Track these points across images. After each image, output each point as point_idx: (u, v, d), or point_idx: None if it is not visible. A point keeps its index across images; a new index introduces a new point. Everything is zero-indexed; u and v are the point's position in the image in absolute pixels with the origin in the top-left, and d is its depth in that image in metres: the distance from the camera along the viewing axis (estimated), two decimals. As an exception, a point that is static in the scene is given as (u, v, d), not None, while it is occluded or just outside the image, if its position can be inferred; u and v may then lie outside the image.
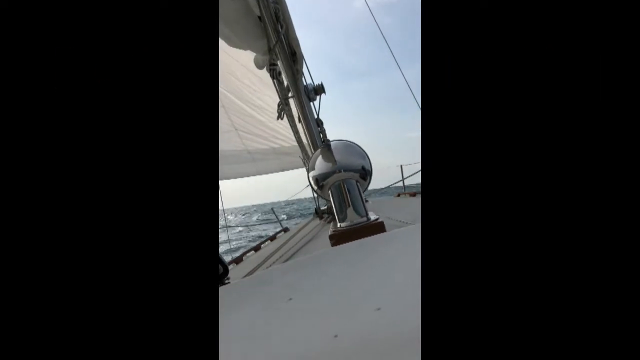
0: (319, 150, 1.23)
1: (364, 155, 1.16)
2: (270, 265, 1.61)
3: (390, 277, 0.51)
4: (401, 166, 5.34)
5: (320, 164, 1.16)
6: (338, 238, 0.99)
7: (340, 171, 1.10)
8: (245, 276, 0.98)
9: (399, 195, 3.82)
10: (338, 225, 1.08)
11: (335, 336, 0.37)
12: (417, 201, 2.91)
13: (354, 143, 1.19)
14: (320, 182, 1.14)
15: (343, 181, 1.09)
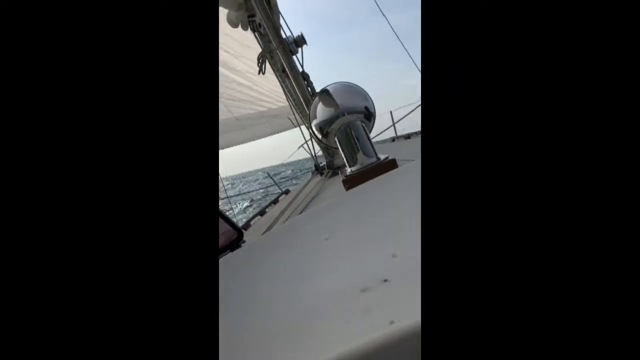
0: (317, 96, 1.17)
1: (365, 95, 1.11)
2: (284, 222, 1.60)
3: (405, 214, 0.49)
4: (391, 112, 5.30)
5: (322, 110, 1.11)
6: (352, 182, 0.97)
7: (344, 114, 1.06)
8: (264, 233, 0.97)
9: (393, 140, 3.81)
10: (348, 170, 1.06)
11: (394, 256, 0.36)
12: (413, 142, 2.90)
13: (354, 84, 1.14)
14: (324, 130, 1.10)
15: (349, 124, 1.05)
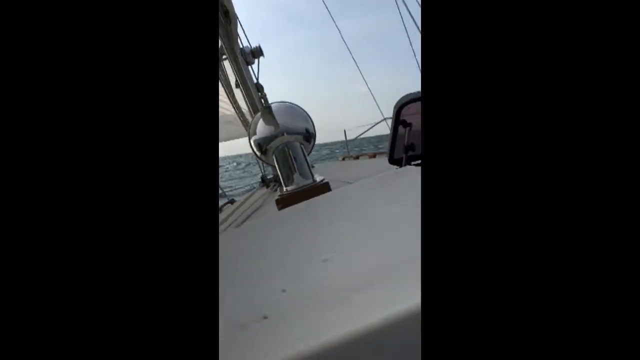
0: (259, 113, 1.17)
1: (306, 117, 1.13)
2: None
3: (335, 231, 0.51)
4: (345, 130, 5.42)
5: (262, 128, 1.11)
6: (285, 202, 0.98)
7: (283, 134, 1.07)
8: None
9: (343, 158, 3.88)
10: (285, 189, 1.06)
11: (284, 290, 0.36)
12: (361, 163, 2.97)
13: (296, 105, 1.16)
14: (263, 147, 1.10)
15: (287, 144, 1.06)
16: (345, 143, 5.14)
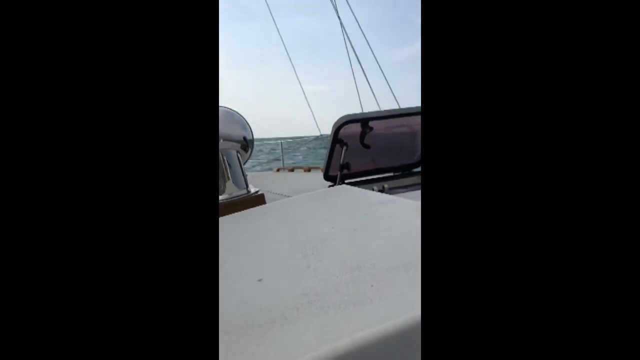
0: None
1: (244, 124, 1.11)
2: None
3: (270, 248, 0.50)
4: (281, 142, 5.42)
5: None
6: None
7: (219, 140, 1.04)
8: None
9: (278, 170, 3.87)
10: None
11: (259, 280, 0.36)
12: (296, 176, 2.98)
13: (235, 111, 1.13)
14: None
15: (222, 152, 1.03)
16: (282, 155, 5.14)
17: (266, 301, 0.34)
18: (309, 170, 3.18)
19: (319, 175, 1.25)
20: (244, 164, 1.09)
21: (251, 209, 0.76)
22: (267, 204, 0.92)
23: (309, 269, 0.40)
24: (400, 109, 1.05)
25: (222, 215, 0.84)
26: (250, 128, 1.11)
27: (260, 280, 0.37)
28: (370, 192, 0.79)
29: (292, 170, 3.45)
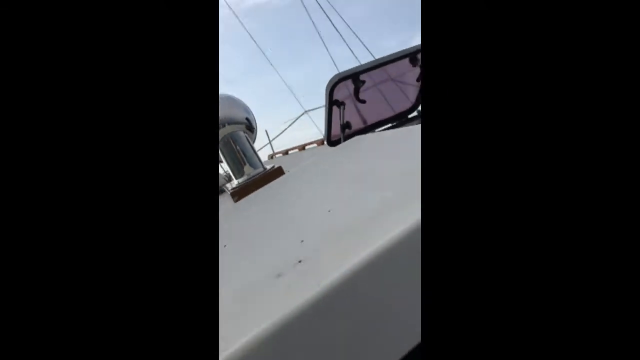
0: None
1: (246, 107, 1.13)
2: None
3: (313, 204, 0.52)
4: (266, 131, 5.39)
5: None
6: (240, 193, 0.98)
7: (224, 125, 1.06)
8: None
9: (271, 157, 3.86)
10: (235, 182, 1.06)
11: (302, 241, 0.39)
12: (295, 155, 2.98)
13: (234, 96, 1.16)
14: None
15: (231, 135, 1.06)
16: (269, 141, 5.11)
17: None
18: (303, 148, 3.17)
19: (319, 148, 1.25)
20: (253, 144, 1.12)
21: (274, 181, 0.79)
22: (288, 173, 0.96)
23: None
24: (387, 56, 1.08)
25: (246, 195, 0.88)
26: (251, 112, 1.14)
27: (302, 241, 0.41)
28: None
29: (286, 153, 3.45)
